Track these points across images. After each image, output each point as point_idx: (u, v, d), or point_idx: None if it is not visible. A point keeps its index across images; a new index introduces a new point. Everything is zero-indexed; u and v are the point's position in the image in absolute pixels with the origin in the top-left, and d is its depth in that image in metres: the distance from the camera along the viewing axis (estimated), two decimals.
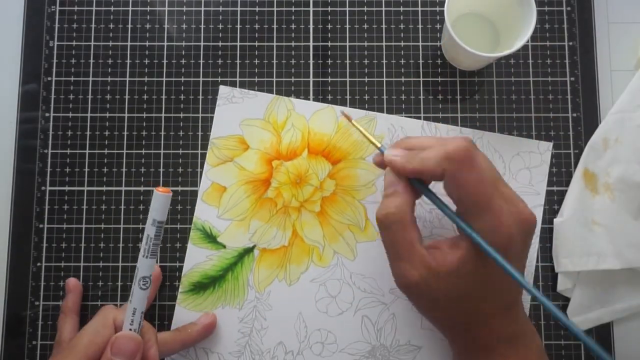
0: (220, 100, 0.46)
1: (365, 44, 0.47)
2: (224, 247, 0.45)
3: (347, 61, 0.47)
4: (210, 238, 0.45)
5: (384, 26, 0.47)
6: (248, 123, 0.46)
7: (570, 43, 0.47)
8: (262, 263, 0.45)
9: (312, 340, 0.44)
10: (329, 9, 0.48)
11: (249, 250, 0.45)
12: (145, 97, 0.47)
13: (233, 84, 0.47)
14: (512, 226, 0.33)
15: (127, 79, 0.47)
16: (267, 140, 0.46)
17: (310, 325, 0.44)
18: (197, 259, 0.45)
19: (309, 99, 0.47)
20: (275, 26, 0.48)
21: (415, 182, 0.37)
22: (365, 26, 0.47)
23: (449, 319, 0.37)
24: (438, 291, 0.35)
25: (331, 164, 0.45)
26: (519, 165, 0.45)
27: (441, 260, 0.35)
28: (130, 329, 0.37)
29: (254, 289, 0.44)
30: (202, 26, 0.48)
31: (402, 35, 0.47)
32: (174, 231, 0.45)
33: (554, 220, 0.45)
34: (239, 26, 0.48)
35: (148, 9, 0.48)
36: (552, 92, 0.47)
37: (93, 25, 0.47)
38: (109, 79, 0.47)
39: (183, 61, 0.47)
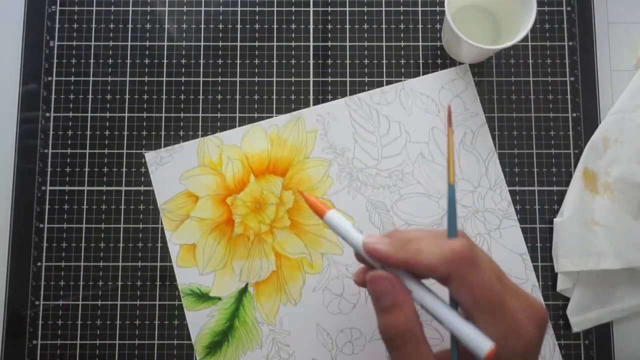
0: (152, 167, 0.46)
1: (365, 44, 0.47)
2: (220, 299, 0.44)
3: (347, 61, 0.47)
4: (203, 297, 0.44)
5: (384, 26, 0.47)
6: (187, 175, 0.46)
7: (570, 43, 0.47)
8: (261, 296, 0.44)
9: (340, 343, 0.44)
10: (329, 9, 0.48)
11: (243, 291, 0.44)
12: (145, 97, 0.47)
13: (233, 84, 0.47)
14: (529, 326, 0.29)
15: (127, 79, 0.47)
16: (212, 183, 0.45)
17: (331, 331, 0.44)
18: (200, 322, 0.44)
19: (308, 99, 0.47)
20: (275, 26, 0.48)
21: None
22: (365, 26, 0.47)
23: None
24: None
25: (280, 176, 0.45)
26: (449, 96, 0.46)
27: None
28: None
29: (265, 324, 0.44)
30: (202, 26, 0.48)
31: (402, 35, 0.47)
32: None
33: (554, 220, 0.45)
34: (239, 26, 0.48)
35: (148, 9, 0.48)
36: (552, 92, 0.47)
37: (93, 25, 0.47)
38: (109, 79, 0.47)
39: (183, 61, 0.47)
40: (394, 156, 0.45)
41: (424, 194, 0.45)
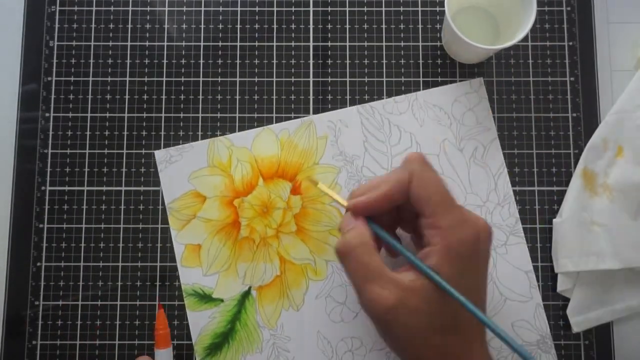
0: (161, 165, 0.45)
1: (365, 44, 0.47)
2: (222, 300, 0.44)
3: (347, 61, 0.47)
4: (205, 298, 0.44)
5: (384, 26, 0.47)
6: (196, 175, 0.45)
7: (570, 43, 0.47)
8: (264, 300, 0.44)
9: (340, 352, 0.44)
10: (329, 9, 0.48)
11: (246, 294, 0.44)
12: (145, 97, 0.47)
13: (233, 84, 0.47)
14: (478, 222, 0.35)
15: (127, 79, 0.47)
16: (220, 184, 0.45)
17: (332, 339, 0.44)
18: (201, 323, 0.44)
19: (308, 99, 0.47)
20: (275, 26, 0.48)
21: (370, 224, 0.37)
22: (365, 26, 0.47)
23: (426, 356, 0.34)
24: (417, 315, 0.33)
25: (289, 181, 0.45)
26: (461, 109, 0.46)
27: (415, 277, 0.33)
28: None
29: (266, 328, 0.44)
30: (202, 26, 0.48)
31: (402, 35, 0.47)
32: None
33: (554, 220, 0.45)
34: (239, 26, 0.48)
35: (148, 9, 0.48)
36: (552, 92, 0.47)
37: (93, 25, 0.47)
38: (109, 79, 0.47)
39: (183, 61, 0.47)
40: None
41: None
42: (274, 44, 0.47)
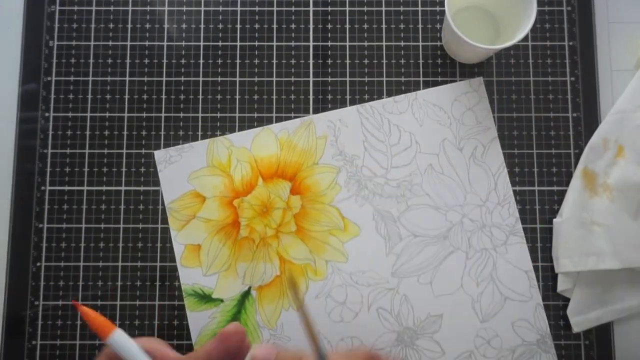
0: (160, 165, 0.46)
1: (365, 44, 0.47)
2: (222, 301, 0.44)
3: (347, 61, 0.47)
4: (205, 298, 0.44)
5: (384, 26, 0.47)
6: (195, 175, 0.45)
7: (571, 43, 0.47)
8: (264, 300, 0.44)
9: None
10: (329, 9, 0.48)
11: (246, 294, 0.44)
12: (145, 97, 0.47)
13: (233, 84, 0.47)
14: None
15: (127, 78, 0.47)
16: (219, 185, 0.45)
17: (332, 339, 0.44)
18: (201, 323, 0.44)
19: (308, 99, 0.47)
20: (275, 26, 0.48)
21: None
22: (365, 26, 0.47)
23: None
24: None
25: (289, 180, 0.45)
26: (461, 109, 0.46)
27: None
28: None
29: (266, 328, 0.44)
30: (202, 26, 0.48)
31: (402, 35, 0.47)
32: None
33: (554, 220, 0.45)
34: (239, 26, 0.48)
35: (148, 8, 0.48)
36: (552, 92, 0.47)
37: (93, 25, 0.47)
38: (109, 78, 0.47)
39: (183, 61, 0.47)
40: (403, 166, 0.45)
41: (432, 205, 0.45)
42: (274, 43, 0.47)
